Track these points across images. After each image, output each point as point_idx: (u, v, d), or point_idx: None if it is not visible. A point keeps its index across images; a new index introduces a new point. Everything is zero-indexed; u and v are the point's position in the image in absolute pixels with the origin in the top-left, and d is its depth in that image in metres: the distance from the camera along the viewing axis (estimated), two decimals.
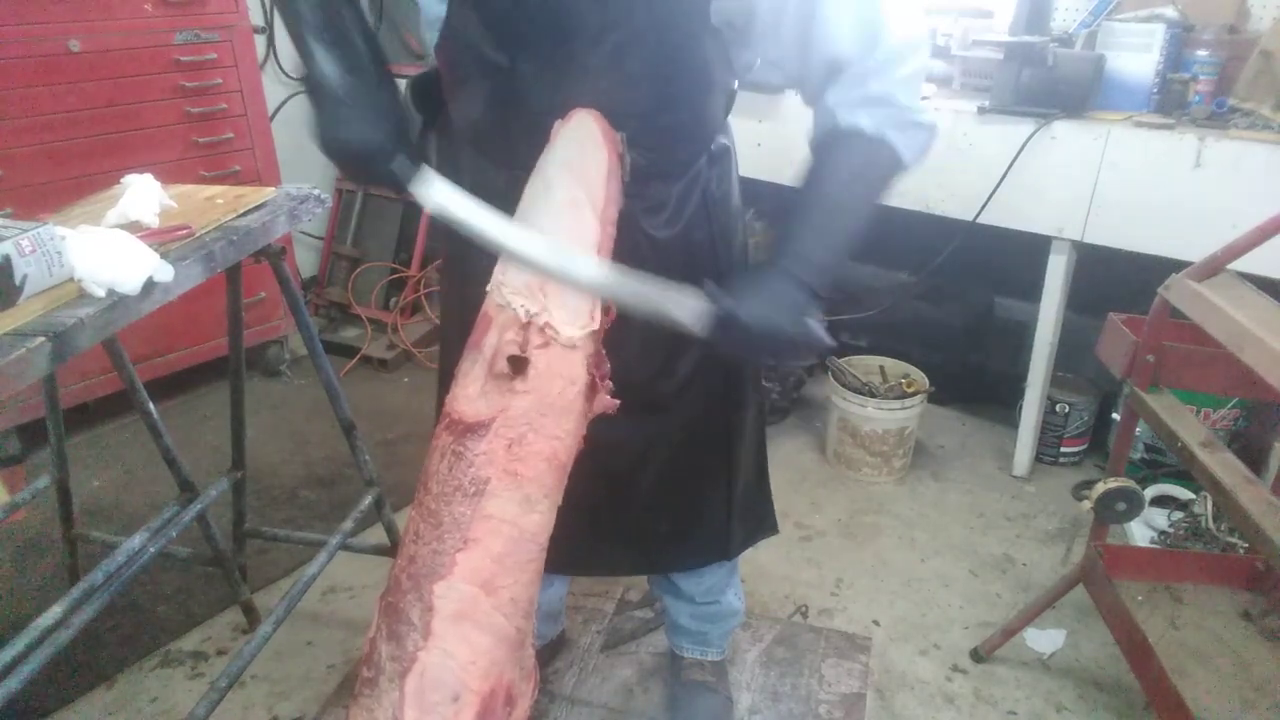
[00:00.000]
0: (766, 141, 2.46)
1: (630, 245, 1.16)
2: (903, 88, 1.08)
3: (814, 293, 1.04)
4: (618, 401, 1.07)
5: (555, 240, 0.99)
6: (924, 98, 2.36)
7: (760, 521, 1.55)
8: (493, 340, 0.99)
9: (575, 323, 0.99)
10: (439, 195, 0.99)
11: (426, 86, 1.27)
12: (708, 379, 1.35)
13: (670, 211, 1.22)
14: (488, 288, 1.03)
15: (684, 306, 0.99)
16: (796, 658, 1.86)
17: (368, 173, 1.00)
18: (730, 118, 1.29)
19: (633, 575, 1.88)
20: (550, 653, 1.82)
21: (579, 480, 1.05)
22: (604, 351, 1.04)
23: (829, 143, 1.11)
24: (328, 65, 0.98)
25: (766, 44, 1.11)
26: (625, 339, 1.11)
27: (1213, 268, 1.43)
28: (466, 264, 1.22)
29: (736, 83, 1.22)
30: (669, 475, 1.39)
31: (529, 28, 1.08)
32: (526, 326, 0.98)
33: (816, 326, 1.03)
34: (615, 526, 1.42)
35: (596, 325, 1.01)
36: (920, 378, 2.59)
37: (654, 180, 1.18)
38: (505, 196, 1.07)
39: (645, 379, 1.28)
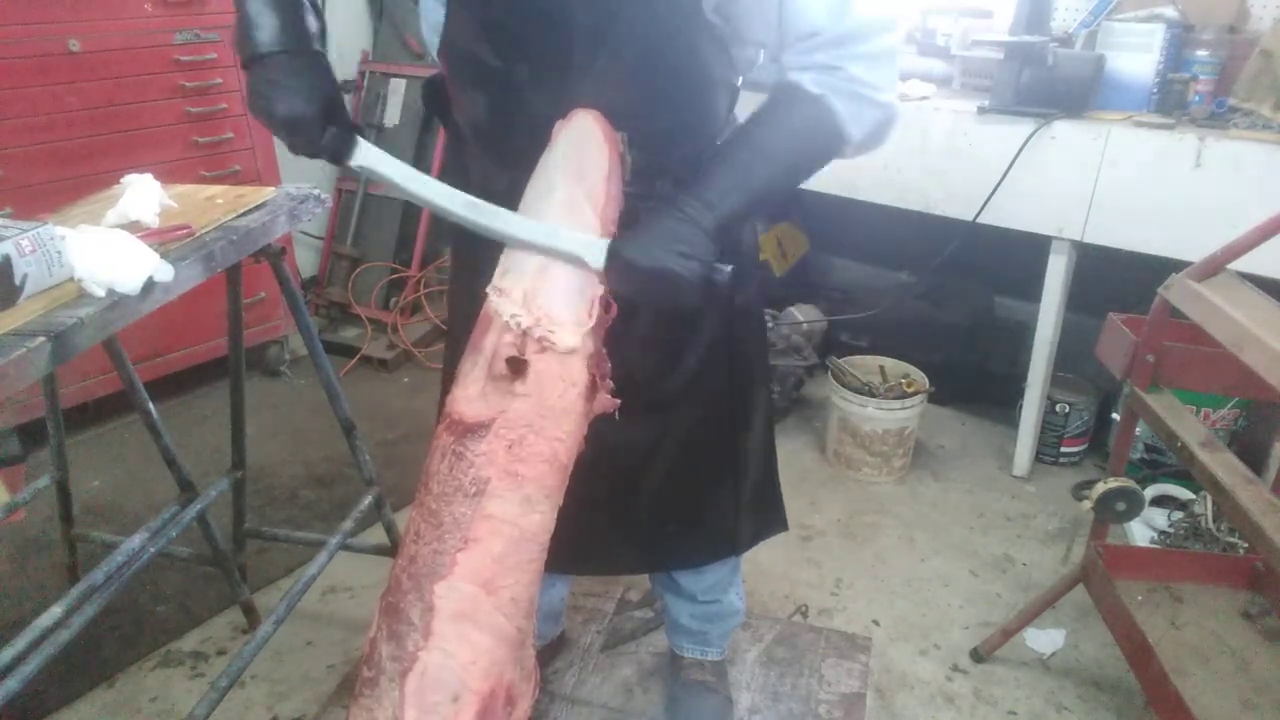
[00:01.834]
0: None
1: None
2: (860, 62, 1.07)
3: (710, 235, 1.03)
4: (618, 401, 1.07)
5: (471, 196, 1.06)
6: (923, 97, 2.38)
7: (769, 518, 1.55)
8: (492, 341, 0.99)
9: (571, 327, 0.99)
10: (365, 157, 1.06)
11: (437, 88, 1.28)
12: (712, 377, 1.35)
13: None
14: (487, 289, 1.04)
15: (584, 245, 1.02)
16: (796, 658, 1.86)
17: (300, 144, 1.04)
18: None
19: (638, 573, 1.86)
20: (551, 653, 1.82)
21: (583, 479, 1.05)
22: (604, 350, 1.04)
23: (770, 96, 1.11)
24: (265, 34, 1.01)
25: (754, 28, 1.11)
26: (628, 338, 1.11)
27: (1213, 268, 1.43)
28: (476, 260, 1.22)
29: (740, 80, 1.22)
30: (674, 472, 1.39)
31: (523, 29, 1.08)
32: (526, 337, 0.98)
33: (709, 267, 1.02)
34: (620, 524, 1.42)
35: (594, 323, 1.01)
36: (920, 378, 2.59)
37: (656, 179, 1.18)
38: (508, 198, 1.08)
39: (648, 377, 1.28)
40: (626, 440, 1.30)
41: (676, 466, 1.39)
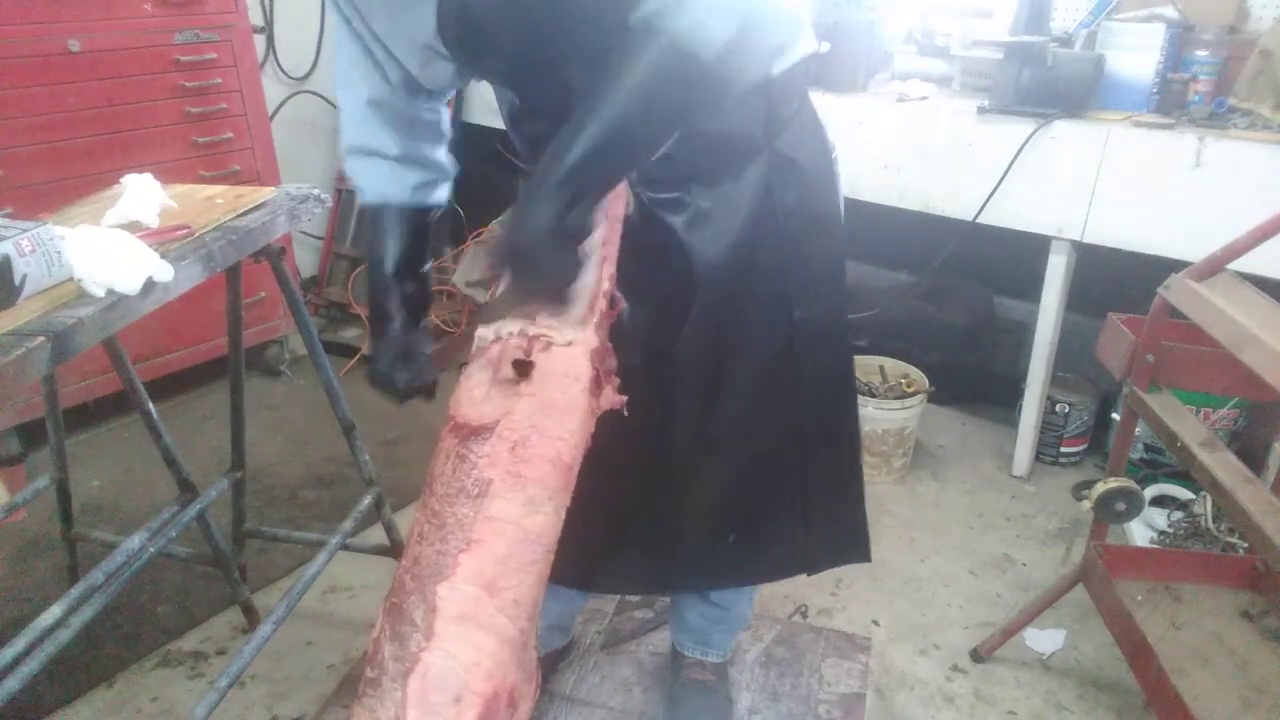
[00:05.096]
0: None
1: (668, 264, 1.16)
2: None
3: (555, 189, 0.95)
4: (625, 398, 1.07)
5: None
6: (923, 97, 2.38)
7: (849, 544, 1.48)
8: (498, 347, 1.00)
9: (568, 320, 1.00)
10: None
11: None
12: (776, 404, 1.29)
13: (716, 224, 1.18)
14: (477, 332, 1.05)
15: None
16: (796, 658, 1.86)
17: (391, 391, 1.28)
18: None
19: (695, 591, 1.63)
20: (556, 659, 1.80)
21: (637, 498, 1.03)
22: (610, 346, 1.04)
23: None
24: (398, 324, 1.27)
25: None
26: (673, 356, 1.13)
27: (1212, 268, 1.43)
28: None
29: (778, 77, 1.15)
30: (731, 493, 1.34)
31: (501, 61, 1.11)
32: (532, 339, 0.99)
33: (553, 220, 0.95)
34: (664, 544, 1.37)
35: (596, 318, 1.01)
36: (920, 378, 2.59)
37: (677, 186, 1.16)
38: None
39: (698, 393, 1.26)
40: (677, 465, 1.28)
41: (734, 488, 1.34)
